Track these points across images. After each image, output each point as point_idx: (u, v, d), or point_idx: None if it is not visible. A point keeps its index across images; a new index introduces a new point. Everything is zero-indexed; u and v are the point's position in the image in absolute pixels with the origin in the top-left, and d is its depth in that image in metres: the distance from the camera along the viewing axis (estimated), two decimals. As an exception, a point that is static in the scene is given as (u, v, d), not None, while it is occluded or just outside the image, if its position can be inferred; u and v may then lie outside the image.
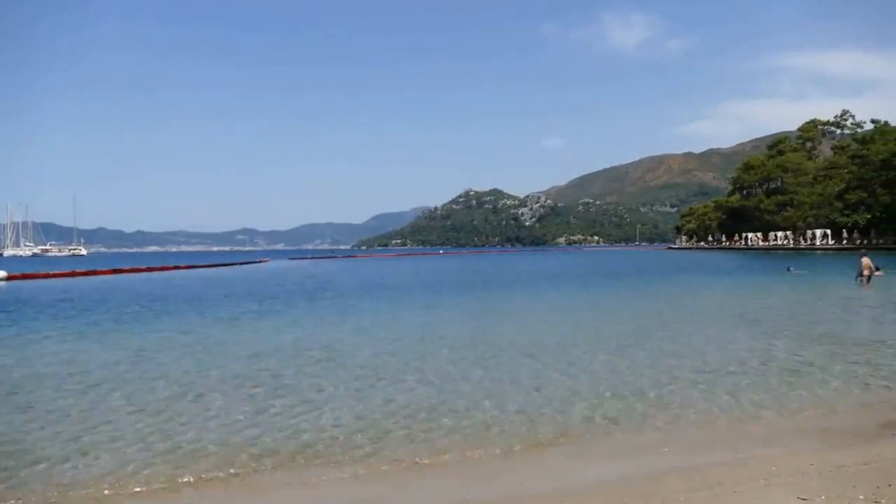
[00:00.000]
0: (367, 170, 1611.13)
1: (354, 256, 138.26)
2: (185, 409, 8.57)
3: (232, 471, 6.27)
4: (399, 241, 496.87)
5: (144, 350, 13.52)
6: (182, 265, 71.51)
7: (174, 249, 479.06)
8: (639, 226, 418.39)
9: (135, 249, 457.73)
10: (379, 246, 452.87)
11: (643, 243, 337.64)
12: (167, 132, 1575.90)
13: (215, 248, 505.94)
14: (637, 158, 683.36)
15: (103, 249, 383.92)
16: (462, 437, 7.21)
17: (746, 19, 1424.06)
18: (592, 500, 5.32)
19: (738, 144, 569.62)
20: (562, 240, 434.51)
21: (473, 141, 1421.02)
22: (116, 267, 64.67)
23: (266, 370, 11.11)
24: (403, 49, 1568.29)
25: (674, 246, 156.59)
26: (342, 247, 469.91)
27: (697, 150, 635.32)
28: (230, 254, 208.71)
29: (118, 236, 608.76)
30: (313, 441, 7.12)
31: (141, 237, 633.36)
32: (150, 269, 62.91)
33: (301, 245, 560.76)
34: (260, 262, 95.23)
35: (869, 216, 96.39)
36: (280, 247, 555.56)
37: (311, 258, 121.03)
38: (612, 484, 5.70)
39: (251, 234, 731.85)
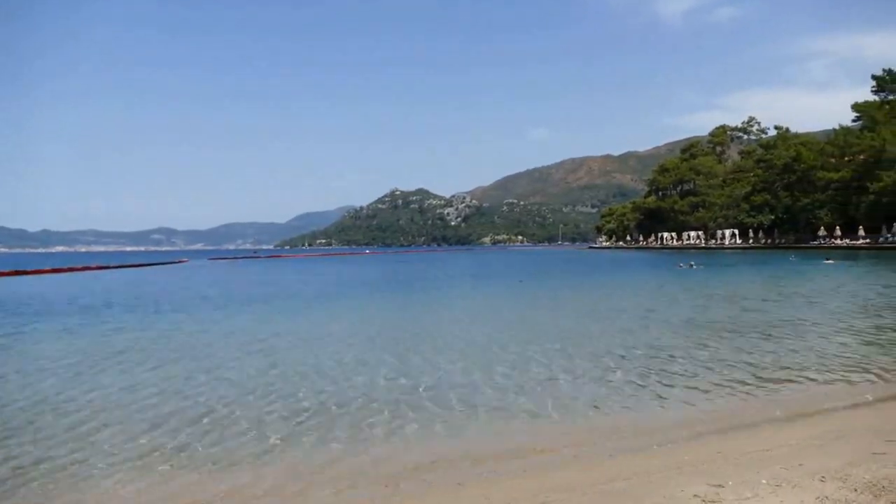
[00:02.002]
0: (291, 169, 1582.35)
1: (279, 256, 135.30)
2: None
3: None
4: (324, 240, 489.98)
5: None
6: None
7: (83, 250, 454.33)
8: (561, 226, 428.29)
9: (40, 250, 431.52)
10: (303, 245, 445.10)
11: (566, 243, 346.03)
12: (75, 122, 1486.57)
13: (129, 249, 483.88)
14: (559, 160, 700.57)
15: (4, 250, 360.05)
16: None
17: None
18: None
19: (653, 147, 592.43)
20: (487, 239, 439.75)
21: (399, 141, 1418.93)
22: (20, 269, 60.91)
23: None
24: (329, 49, 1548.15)
25: (594, 245, 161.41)
26: (265, 246, 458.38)
27: (616, 152, 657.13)
28: (145, 254, 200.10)
29: (21, 236, 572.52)
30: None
31: (46, 237, 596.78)
32: (56, 271, 59.58)
33: (222, 245, 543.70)
34: (179, 261, 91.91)
35: (773, 217, 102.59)
36: (199, 247, 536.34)
37: (233, 258, 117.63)
38: (536, 474, 5.81)
39: (168, 233, 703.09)
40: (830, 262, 45.57)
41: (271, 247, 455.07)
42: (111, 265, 71.56)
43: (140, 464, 6.52)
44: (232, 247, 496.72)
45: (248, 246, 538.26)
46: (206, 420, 8.03)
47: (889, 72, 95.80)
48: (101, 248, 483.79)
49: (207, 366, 11.64)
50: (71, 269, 61.72)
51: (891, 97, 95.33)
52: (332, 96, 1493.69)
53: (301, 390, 9.50)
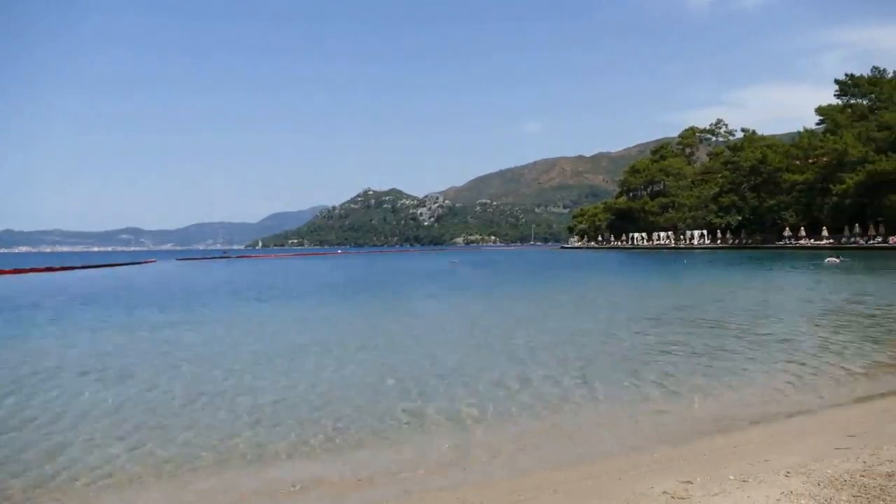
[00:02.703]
0: (262, 168, 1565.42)
1: (248, 256, 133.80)
2: None
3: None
4: (296, 240, 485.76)
5: None
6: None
7: (48, 250, 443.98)
8: (534, 226, 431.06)
9: (3, 250, 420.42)
10: (275, 246, 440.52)
11: (538, 243, 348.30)
12: (39, 119, 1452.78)
13: (96, 249, 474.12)
14: (532, 161, 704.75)
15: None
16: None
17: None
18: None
19: (625, 149, 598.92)
20: (460, 239, 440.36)
21: (372, 140, 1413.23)
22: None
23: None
24: (302, 48, 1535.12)
25: (566, 246, 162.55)
26: (236, 247, 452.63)
27: (588, 153, 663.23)
28: (112, 254, 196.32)
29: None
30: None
31: (9, 237, 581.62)
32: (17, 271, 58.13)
33: (192, 245, 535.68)
34: (146, 262, 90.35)
35: (740, 217, 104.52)
36: (168, 247, 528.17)
37: (202, 258, 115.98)
38: (512, 478, 5.85)
39: (136, 233, 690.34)
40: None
41: (242, 247, 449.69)
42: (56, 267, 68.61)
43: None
44: (202, 247, 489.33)
45: (218, 246, 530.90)
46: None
47: (851, 77, 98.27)
48: (67, 249, 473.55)
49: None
50: (17, 271, 59.56)
51: (853, 101, 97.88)
52: (304, 95, 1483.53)
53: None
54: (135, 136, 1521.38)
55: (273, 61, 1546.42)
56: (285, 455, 6.76)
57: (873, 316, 16.40)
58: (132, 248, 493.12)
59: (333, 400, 8.93)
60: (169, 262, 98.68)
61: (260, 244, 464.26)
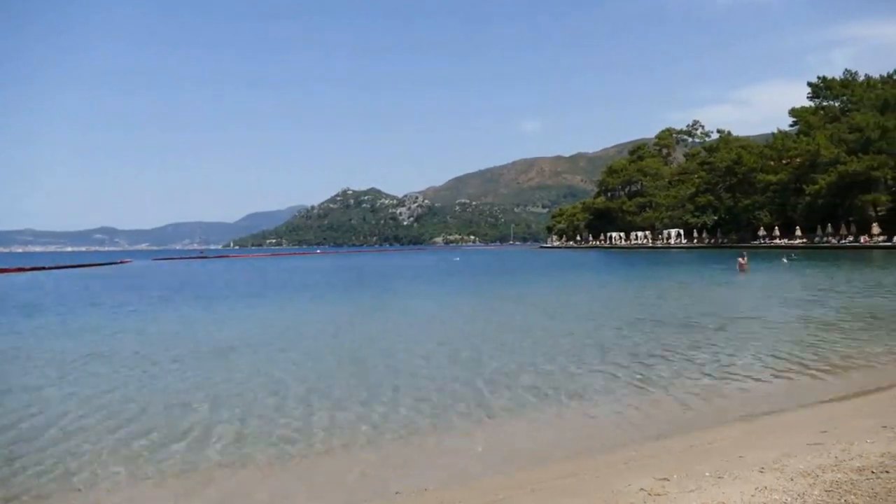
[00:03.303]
0: (239, 167, 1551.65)
1: (226, 256, 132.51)
2: None
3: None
4: (274, 240, 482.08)
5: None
6: None
7: (20, 250, 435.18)
8: (513, 226, 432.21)
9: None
10: (253, 246, 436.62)
11: (517, 242, 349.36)
12: (9, 116, 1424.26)
13: (69, 249, 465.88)
14: (511, 161, 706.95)
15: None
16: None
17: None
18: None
19: (603, 149, 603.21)
20: (439, 239, 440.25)
21: (351, 140, 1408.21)
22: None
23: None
24: (280, 45, 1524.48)
25: (545, 245, 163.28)
26: (213, 247, 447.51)
27: (567, 153, 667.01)
28: (86, 254, 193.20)
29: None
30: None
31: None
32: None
33: (168, 245, 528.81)
34: (121, 262, 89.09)
35: (716, 217, 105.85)
36: (144, 247, 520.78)
37: (179, 258, 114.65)
38: (490, 477, 5.87)
39: (111, 233, 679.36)
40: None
41: (219, 247, 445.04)
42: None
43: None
44: (178, 247, 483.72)
45: (195, 246, 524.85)
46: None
47: (823, 79, 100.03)
48: (40, 249, 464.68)
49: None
50: None
51: (825, 103, 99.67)
52: (282, 93, 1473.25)
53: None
54: (109, 135, 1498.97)
55: (251, 59, 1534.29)
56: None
57: (827, 313, 16.73)
58: (107, 248, 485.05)
59: (321, 401, 8.89)
60: (145, 261, 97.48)
61: (231, 244, 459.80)
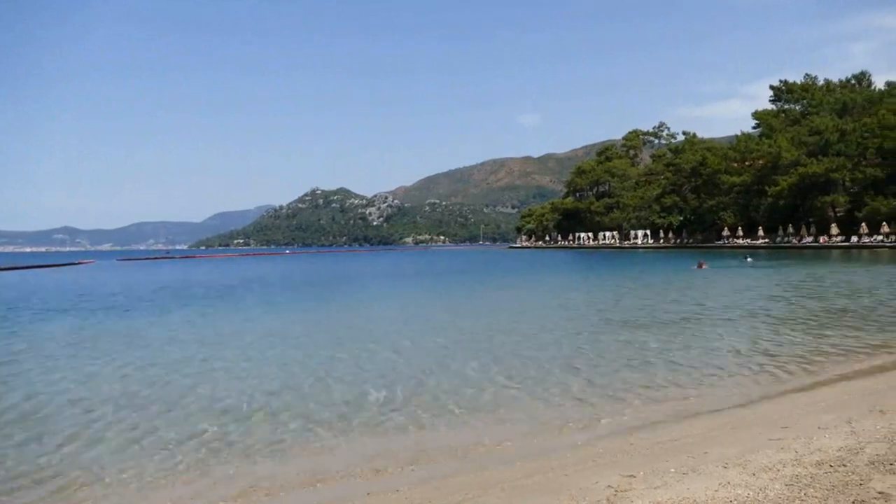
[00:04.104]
0: (207, 166, 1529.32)
1: (193, 257, 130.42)
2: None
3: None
4: (241, 240, 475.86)
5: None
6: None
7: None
8: (482, 226, 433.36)
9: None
10: (220, 246, 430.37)
11: (487, 242, 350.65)
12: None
13: (28, 249, 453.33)
14: (480, 161, 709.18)
15: None
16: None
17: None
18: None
19: (571, 150, 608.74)
20: (409, 239, 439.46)
21: (320, 139, 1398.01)
22: None
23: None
24: (249, 39, 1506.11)
25: (515, 245, 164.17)
26: (179, 247, 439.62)
27: (536, 154, 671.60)
28: (46, 255, 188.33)
29: None
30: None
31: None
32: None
33: (132, 245, 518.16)
34: (80, 263, 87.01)
35: (682, 218, 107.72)
36: (107, 247, 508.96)
37: (145, 259, 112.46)
38: (458, 476, 5.88)
39: (72, 233, 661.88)
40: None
41: (185, 247, 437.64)
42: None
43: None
44: (143, 247, 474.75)
45: (160, 246, 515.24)
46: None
47: (784, 83, 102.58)
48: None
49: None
50: None
51: (786, 107, 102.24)
52: (249, 91, 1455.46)
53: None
54: (69, 131, 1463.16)
55: (217, 53, 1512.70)
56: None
57: (793, 309, 17.17)
58: (68, 249, 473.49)
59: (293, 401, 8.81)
60: (109, 261, 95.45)
61: (194, 243, 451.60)
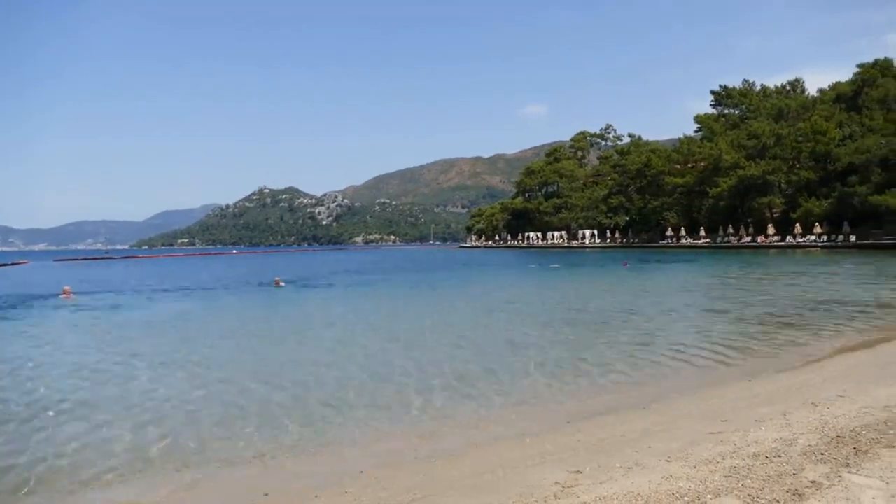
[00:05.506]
0: (150, 163, 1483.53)
1: (134, 257, 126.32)
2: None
3: None
4: (186, 240, 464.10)
5: None
6: None
7: None
8: (433, 226, 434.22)
9: None
10: (163, 245, 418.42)
11: (437, 242, 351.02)
12: None
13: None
14: (430, 161, 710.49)
15: None
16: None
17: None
18: (382, 481, 5.42)
19: (521, 151, 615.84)
20: (359, 239, 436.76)
21: (267, 137, 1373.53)
22: None
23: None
24: (190, 46, 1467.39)
25: (465, 245, 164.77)
26: (119, 247, 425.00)
27: (486, 154, 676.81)
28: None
29: None
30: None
31: None
32: None
33: (69, 245, 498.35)
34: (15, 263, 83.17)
35: (627, 218, 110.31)
36: (42, 247, 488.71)
37: (83, 259, 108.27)
38: (407, 476, 5.86)
39: (4, 232, 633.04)
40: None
41: (126, 247, 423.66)
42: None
43: None
44: (81, 247, 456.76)
45: (99, 246, 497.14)
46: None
47: (725, 88, 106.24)
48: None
49: None
50: None
51: (727, 111, 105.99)
52: (195, 87, 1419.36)
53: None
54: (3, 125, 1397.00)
55: (165, 50, 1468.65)
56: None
57: (739, 306, 17.79)
58: (0, 249, 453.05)
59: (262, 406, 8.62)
60: (46, 262, 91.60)
61: (135, 242, 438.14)
